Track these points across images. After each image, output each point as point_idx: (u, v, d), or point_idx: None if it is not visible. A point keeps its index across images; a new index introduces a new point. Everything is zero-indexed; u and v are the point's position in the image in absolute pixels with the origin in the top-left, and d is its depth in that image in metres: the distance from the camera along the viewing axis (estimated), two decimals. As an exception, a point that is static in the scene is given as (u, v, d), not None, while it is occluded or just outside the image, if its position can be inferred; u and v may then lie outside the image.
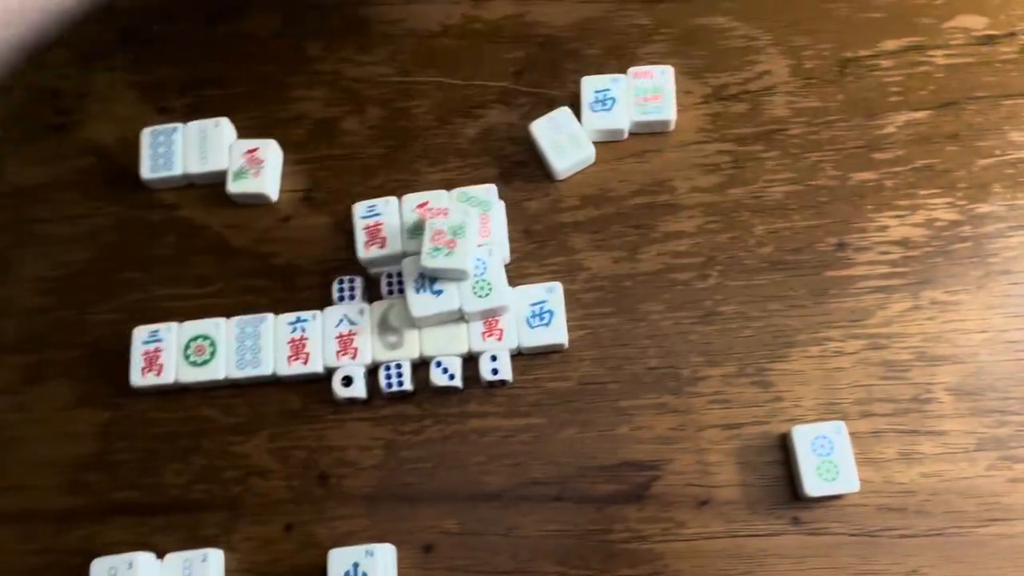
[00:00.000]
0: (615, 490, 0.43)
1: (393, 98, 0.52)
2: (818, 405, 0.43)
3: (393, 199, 0.47)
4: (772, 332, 0.45)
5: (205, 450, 0.45)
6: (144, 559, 0.41)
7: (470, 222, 0.43)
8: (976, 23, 0.50)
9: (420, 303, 0.44)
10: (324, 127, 0.52)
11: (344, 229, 0.49)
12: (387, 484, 0.44)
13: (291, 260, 0.49)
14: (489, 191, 0.46)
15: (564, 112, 0.48)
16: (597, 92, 0.49)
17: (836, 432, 0.41)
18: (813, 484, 0.40)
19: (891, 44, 0.50)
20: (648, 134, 0.49)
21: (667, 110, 0.48)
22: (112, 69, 0.54)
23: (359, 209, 0.47)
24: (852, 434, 0.42)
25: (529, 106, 0.51)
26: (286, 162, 0.51)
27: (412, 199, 0.47)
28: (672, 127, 0.49)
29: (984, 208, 0.46)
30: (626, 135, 0.49)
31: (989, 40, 0.49)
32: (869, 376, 0.44)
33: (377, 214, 0.46)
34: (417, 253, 0.45)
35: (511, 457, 0.44)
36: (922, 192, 0.47)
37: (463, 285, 0.44)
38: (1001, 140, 0.47)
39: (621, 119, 0.48)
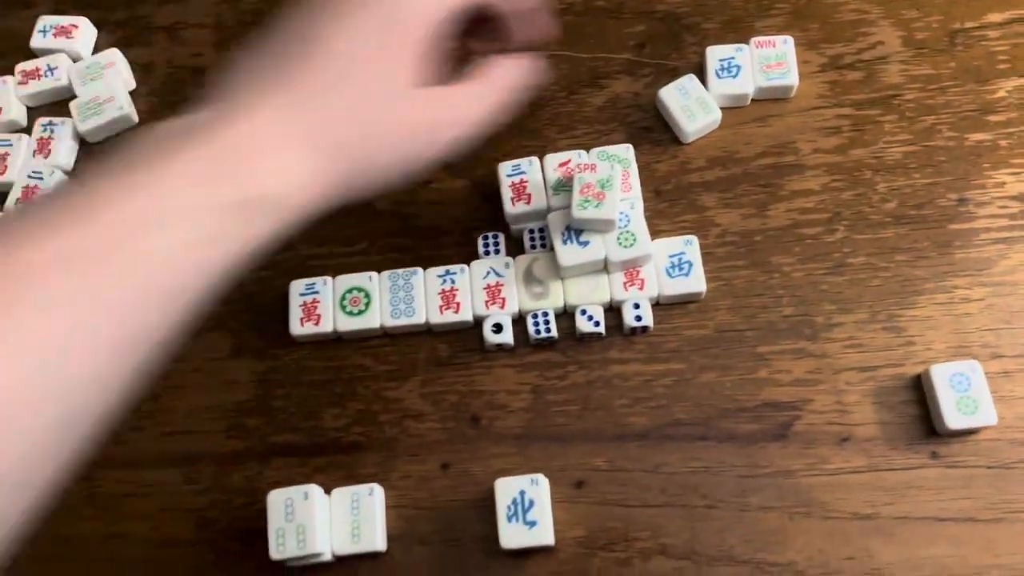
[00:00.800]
0: (758, 429, 0.45)
1: (520, 71, 0.55)
2: (948, 348, 0.46)
3: (535, 159, 0.49)
4: (900, 281, 0.47)
5: (360, 396, 0.48)
6: (317, 490, 0.43)
7: (616, 175, 0.46)
8: (1077, -4, 0.53)
9: (568, 254, 0.46)
10: (456, 98, 0.54)
11: (480, 192, 0.52)
12: (536, 425, 0.46)
13: (432, 221, 0.52)
14: (627, 149, 0.49)
15: (691, 79, 0.51)
16: (722, 60, 0.51)
17: (972, 370, 0.43)
18: (953, 417, 0.43)
19: (996, 16, 0.53)
20: (769, 100, 0.52)
21: (791, 76, 0.51)
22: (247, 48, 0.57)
23: (504, 168, 0.49)
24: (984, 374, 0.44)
25: (652, 76, 0.54)
26: (421, 131, 0.54)
27: (554, 158, 0.49)
28: (794, 92, 0.51)
29: (1097, 165, 0.49)
30: (750, 100, 0.52)
31: (1092, 10, 0.52)
32: (996, 321, 0.46)
33: (522, 172, 0.49)
34: (561, 208, 0.47)
35: (654, 400, 0.46)
36: (1036, 151, 0.49)
37: (608, 236, 0.46)
38: (1109, 102, 0.50)
39: (747, 85, 0.51)
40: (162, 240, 0.33)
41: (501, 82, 0.43)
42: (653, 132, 0.52)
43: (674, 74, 0.53)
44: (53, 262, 0.30)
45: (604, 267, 0.47)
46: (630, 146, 0.49)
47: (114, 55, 0.57)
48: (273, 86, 0.37)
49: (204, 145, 0.34)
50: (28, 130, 0.56)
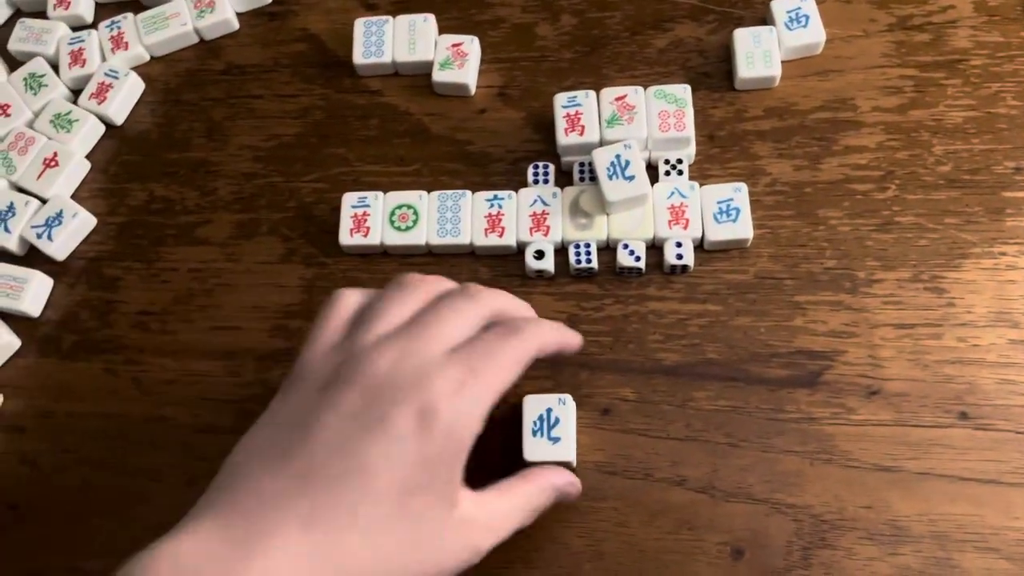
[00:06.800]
0: (788, 375, 0.45)
1: (586, 8, 0.55)
2: (989, 313, 0.45)
3: (592, 91, 0.50)
4: (947, 244, 0.47)
5: (401, 308, 0.49)
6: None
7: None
8: None
9: (614, 188, 0.47)
10: (520, 31, 0.55)
11: (534, 124, 0.52)
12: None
13: (484, 148, 0.52)
14: (684, 89, 0.49)
15: (770, 31, 0.51)
16: (789, 11, 0.51)
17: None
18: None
19: (1077, -12, 0.52)
20: (832, 56, 0.52)
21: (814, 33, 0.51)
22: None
23: (560, 99, 0.50)
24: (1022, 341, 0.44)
25: (717, 23, 0.54)
26: (482, 61, 0.55)
27: (610, 92, 0.50)
28: (820, 49, 0.52)
29: None
30: (821, 49, 0.51)
31: None
32: (1041, 291, 0.45)
33: (578, 104, 0.50)
34: (612, 143, 0.48)
35: (687, 338, 0.47)
36: (1103, 126, 0.48)
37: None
38: None
39: (817, 34, 0.51)
40: None
41: (543, 485, 0.40)
42: (712, 78, 0.52)
43: (739, 23, 0.53)
44: None
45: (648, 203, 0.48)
46: (687, 86, 0.50)
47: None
48: (295, 507, 0.33)
49: None
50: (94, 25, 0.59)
